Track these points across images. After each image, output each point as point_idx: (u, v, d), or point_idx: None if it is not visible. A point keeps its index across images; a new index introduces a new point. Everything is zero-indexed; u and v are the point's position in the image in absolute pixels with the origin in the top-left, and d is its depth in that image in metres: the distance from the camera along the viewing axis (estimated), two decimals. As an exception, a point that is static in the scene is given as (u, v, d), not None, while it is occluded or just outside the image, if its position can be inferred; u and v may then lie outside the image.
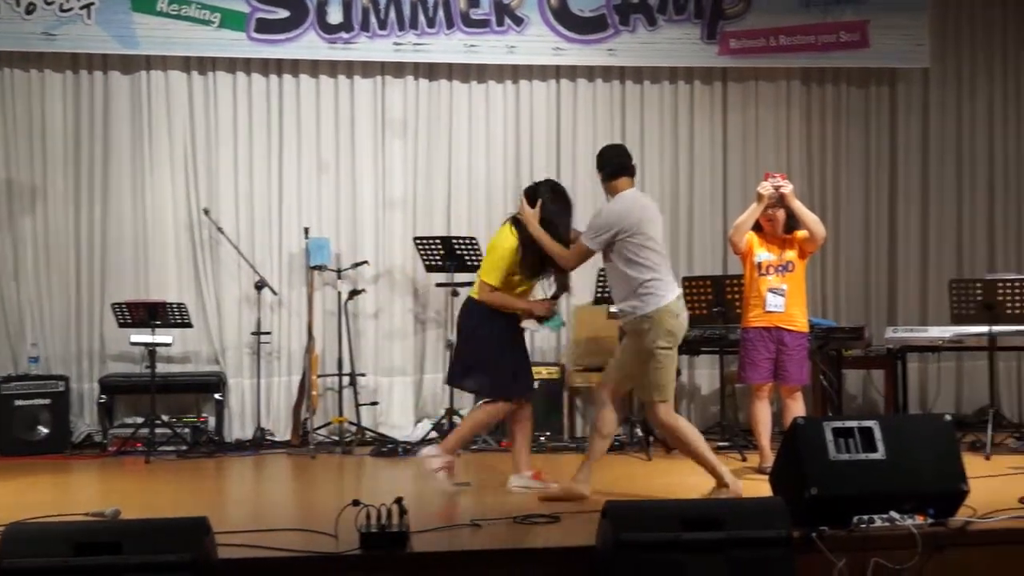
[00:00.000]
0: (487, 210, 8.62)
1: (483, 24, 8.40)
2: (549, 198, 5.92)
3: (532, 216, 5.86)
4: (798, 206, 6.58)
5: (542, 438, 7.91)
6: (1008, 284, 7.37)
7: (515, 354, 6.11)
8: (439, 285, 8.24)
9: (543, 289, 6.22)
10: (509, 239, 5.95)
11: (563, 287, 6.18)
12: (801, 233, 6.63)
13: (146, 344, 7.70)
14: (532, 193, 5.99)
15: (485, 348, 5.98)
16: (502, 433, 7.82)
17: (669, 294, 5.64)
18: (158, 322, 7.67)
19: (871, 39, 8.70)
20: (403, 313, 8.54)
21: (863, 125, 9.06)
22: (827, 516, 4.52)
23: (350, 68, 8.49)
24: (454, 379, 6.31)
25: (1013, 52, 9.17)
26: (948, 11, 9.08)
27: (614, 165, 5.83)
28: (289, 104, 8.45)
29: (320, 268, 8.13)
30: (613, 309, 6.49)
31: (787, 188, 6.54)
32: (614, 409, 5.76)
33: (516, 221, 6.00)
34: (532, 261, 5.90)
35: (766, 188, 6.53)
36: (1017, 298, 7.26)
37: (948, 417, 5.02)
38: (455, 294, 8.02)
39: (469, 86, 8.64)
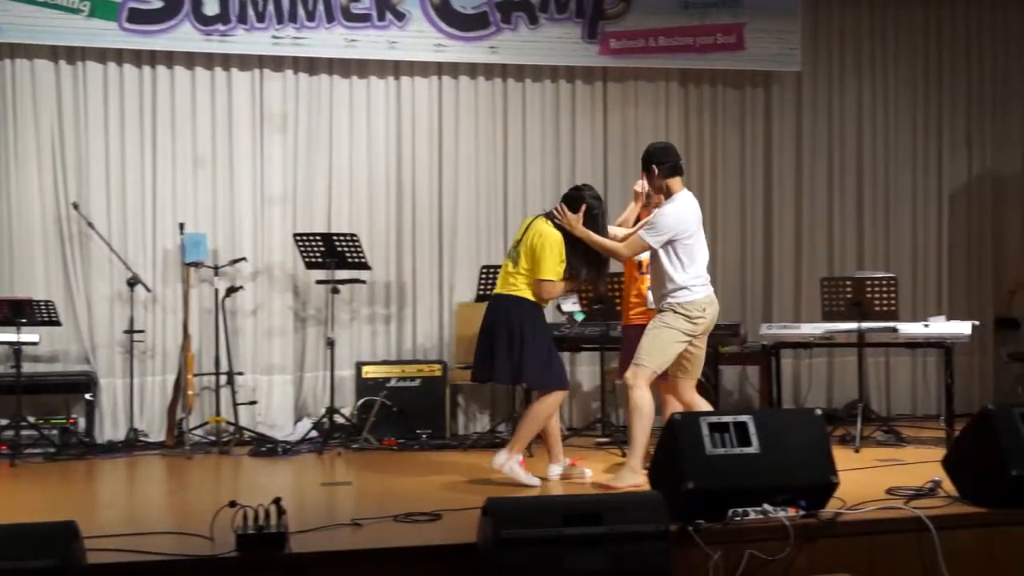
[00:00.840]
0: (368, 207, 8.56)
1: (364, 19, 8.32)
2: (595, 205, 6.16)
3: (576, 219, 6.07)
4: (674, 205, 6.67)
5: (424, 436, 7.89)
6: (876, 282, 7.61)
7: (553, 346, 6.33)
8: (319, 282, 8.15)
9: None
10: (555, 232, 6.11)
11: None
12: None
13: (11, 343, 7.42)
14: (573, 199, 6.18)
15: (538, 346, 6.11)
16: (384, 431, 7.79)
17: (700, 293, 6.01)
18: (24, 320, 7.39)
19: (746, 42, 8.89)
20: (283, 310, 8.41)
21: (739, 126, 9.26)
22: (704, 509, 4.59)
23: (227, 61, 8.32)
24: (503, 377, 6.28)
25: (880, 55, 9.47)
26: (819, 16, 9.33)
27: (672, 163, 6.10)
28: (163, 96, 8.24)
29: (196, 264, 7.95)
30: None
31: (661, 188, 6.63)
32: (684, 399, 6.14)
33: (552, 221, 6.17)
34: (585, 259, 6.18)
35: (642, 185, 6.61)
36: (884, 295, 7.50)
37: (818, 411, 5.15)
38: (336, 291, 7.95)
39: (350, 81, 8.55)
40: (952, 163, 9.59)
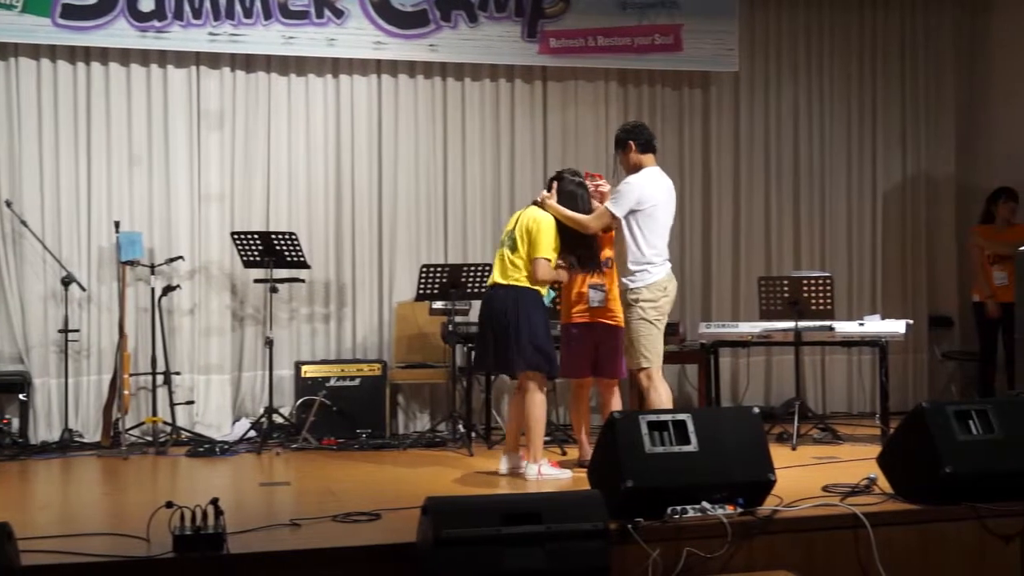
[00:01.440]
0: (307, 205, 8.50)
1: (302, 15, 8.26)
2: (570, 183, 6.40)
3: (549, 196, 6.35)
4: (614, 207, 6.72)
5: (363, 435, 7.85)
6: (812, 281, 7.71)
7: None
8: (257, 281, 8.08)
9: None
10: (548, 216, 6.27)
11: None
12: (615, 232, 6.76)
13: (-58, 343, 7.30)
14: (551, 180, 6.51)
15: (540, 332, 6.20)
16: (323, 431, 7.74)
17: (660, 272, 6.26)
18: (-45, 320, 7.27)
19: (684, 43, 8.95)
20: (220, 309, 8.33)
21: (677, 126, 9.33)
22: (643, 508, 4.61)
23: (163, 57, 8.21)
24: (517, 366, 6.25)
25: (816, 56, 9.59)
26: (756, 17, 9.42)
27: (645, 140, 6.42)
28: (98, 93, 8.12)
29: (132, 263, 7.84)
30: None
31: (605, 187, 6.68)
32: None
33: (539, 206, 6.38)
34: (578, 243, 6.36)
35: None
36: (820, 295, 7.61)
37: (756, 410, 5.20)
38: (274, 290, 7.89)
39: (288, 79, 8.48)
40: (886, 163, 9.72)
